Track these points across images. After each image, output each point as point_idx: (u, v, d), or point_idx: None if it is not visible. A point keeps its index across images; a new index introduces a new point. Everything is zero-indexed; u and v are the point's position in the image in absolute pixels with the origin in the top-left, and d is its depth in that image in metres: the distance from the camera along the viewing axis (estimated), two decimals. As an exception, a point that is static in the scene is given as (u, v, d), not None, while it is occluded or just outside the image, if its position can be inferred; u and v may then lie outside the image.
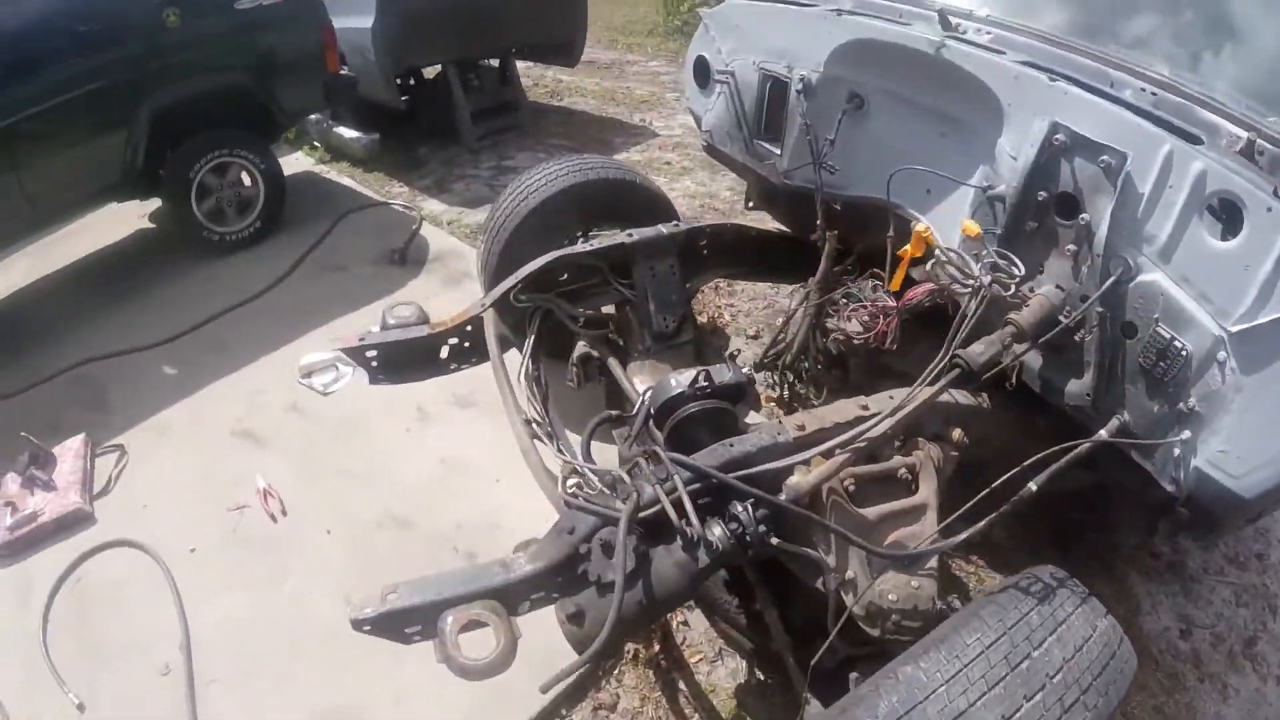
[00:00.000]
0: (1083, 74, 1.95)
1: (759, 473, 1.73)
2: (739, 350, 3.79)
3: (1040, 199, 1.93)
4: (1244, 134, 1.62)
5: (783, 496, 1.69)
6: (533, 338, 2.57)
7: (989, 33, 2.23)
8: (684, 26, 13.29)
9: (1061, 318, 1.88)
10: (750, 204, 3.57)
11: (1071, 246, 1.88)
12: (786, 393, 3.19)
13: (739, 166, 3.25)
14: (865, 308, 2.39)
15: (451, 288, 4.41)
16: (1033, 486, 1.61)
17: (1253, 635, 2.64)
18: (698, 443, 1.85)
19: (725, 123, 3.10)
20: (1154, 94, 1.85)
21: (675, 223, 2.87)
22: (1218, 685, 2.46)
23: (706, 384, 1.98)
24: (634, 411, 2.17)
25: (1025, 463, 1.62)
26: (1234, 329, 1.56)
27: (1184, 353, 1.65)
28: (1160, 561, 2.83)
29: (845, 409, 1.97)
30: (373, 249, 4.81)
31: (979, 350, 1.77)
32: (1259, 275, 1.52)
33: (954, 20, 2.28)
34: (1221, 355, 1.59)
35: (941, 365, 1.80)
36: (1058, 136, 1.85)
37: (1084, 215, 1.82)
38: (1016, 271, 1.94)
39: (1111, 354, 1.85)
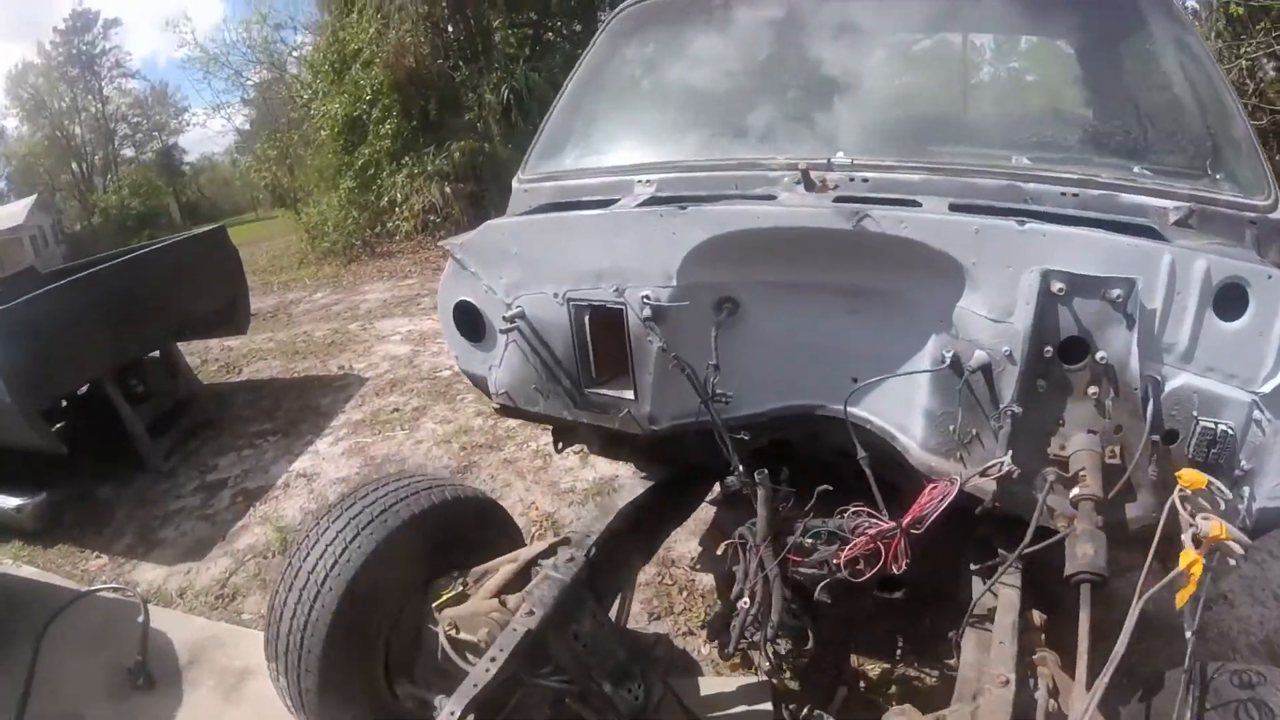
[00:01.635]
0: (995, 198, 1.97)
1: None
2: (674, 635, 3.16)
3: (1047, 354, 1.75)
4: (1168, 204, 1.85)
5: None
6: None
7: (864, 179, 2.13)
8: (334, 247, 12.90)
9: (1107, 459, 1.74)
10: (561, 446, 3.03)
11: (1092, 389, 1.74)
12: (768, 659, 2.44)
13: (565, 425, 2.65)
14: (863, 539, 1.92)
15: (236, 703, 3.26)
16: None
17: None
18: None
19: (528, 378, 2.44)
20: (1076, 194, 1.93)
21: (558, 549, 2.26)
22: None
23: None
24: None
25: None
26: (1264, 390, 1.64)
27: (1229, 432, 1.67)
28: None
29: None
30: (100, 671, 3.56)
31: (1090, 551, 1.59)
32: (1273, 338, 1.62)
33: (817, 177, 2.12)
34: (1257, 415, 1.65)
35: (1075, 580, 1.59)
36: (1056, 285, 1.69)
37: (1100, 354, 1.70)
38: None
39: (1161, 465, 1.74)
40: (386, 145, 13.02)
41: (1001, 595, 1.95)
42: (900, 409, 1.99)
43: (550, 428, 2.89)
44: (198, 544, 4.48)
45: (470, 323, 2.46)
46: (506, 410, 2.63)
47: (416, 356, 7.17)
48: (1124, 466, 1.73)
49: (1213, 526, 1.44)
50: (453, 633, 2.09)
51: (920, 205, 1.94)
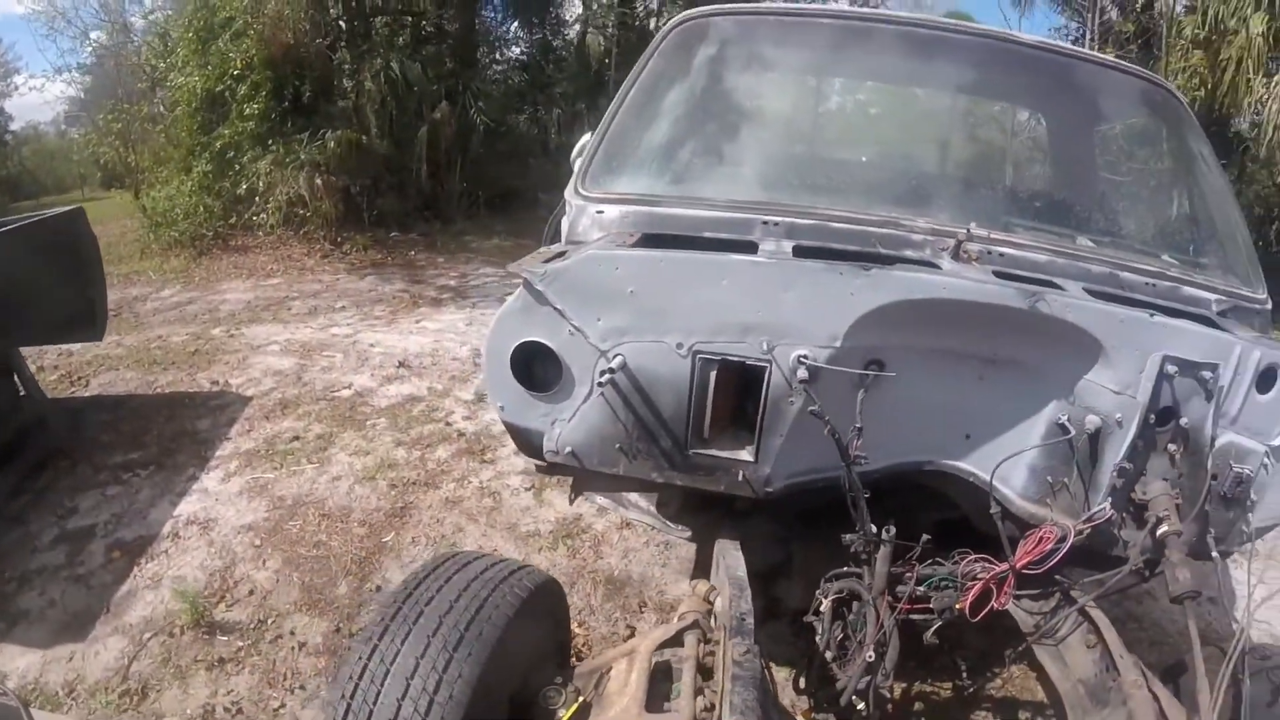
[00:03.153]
0: (1102, 283, 2.34)
1: None
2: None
3: (1151, 421, 2.09)
4: (1212, 297, 2.46)
5: None
6: None
7: (1001, 254, 2.37)
8: (183, 237, 11.48)
9: (1175, 500, 2.09)
10: (575, 498, 2.84)
11: (1171, 446, 2.11)
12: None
13: (638, 486, 2.55)
14: (980, 583, 2.13)
15: None
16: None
17: None
18: None
19: (613, 436, 2.21)
20: (1154, 285, 2.43)
21: (685, 635, 2.12)
22: None
23: None
24: None
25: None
26: (1274, 443, 2.19)
27: (1249, 473, 2.15)
28: None
29: None
30: None
31: (1188, 575, 1.96)
32: None
33: (964, 249, 2.30)
34: (1266, 461, 2.17)
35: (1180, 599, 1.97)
36: (1170, 367, 2.05)
37: (1183, 419, 2.10)
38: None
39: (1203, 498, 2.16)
40: (251, 127, 11.64)
41: (1096, 616, 2.28)
42: (1005, 464, 2.17)
43: (536, 466, 2.54)
44: (75, 618, 3.55)
45: (532, 368, 2.20)
46: (557, 469, 2.39)
47: (304, 371, 6.35)
48: (1187, 505, 2.10)
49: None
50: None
51: (1065, 289, 2.15)
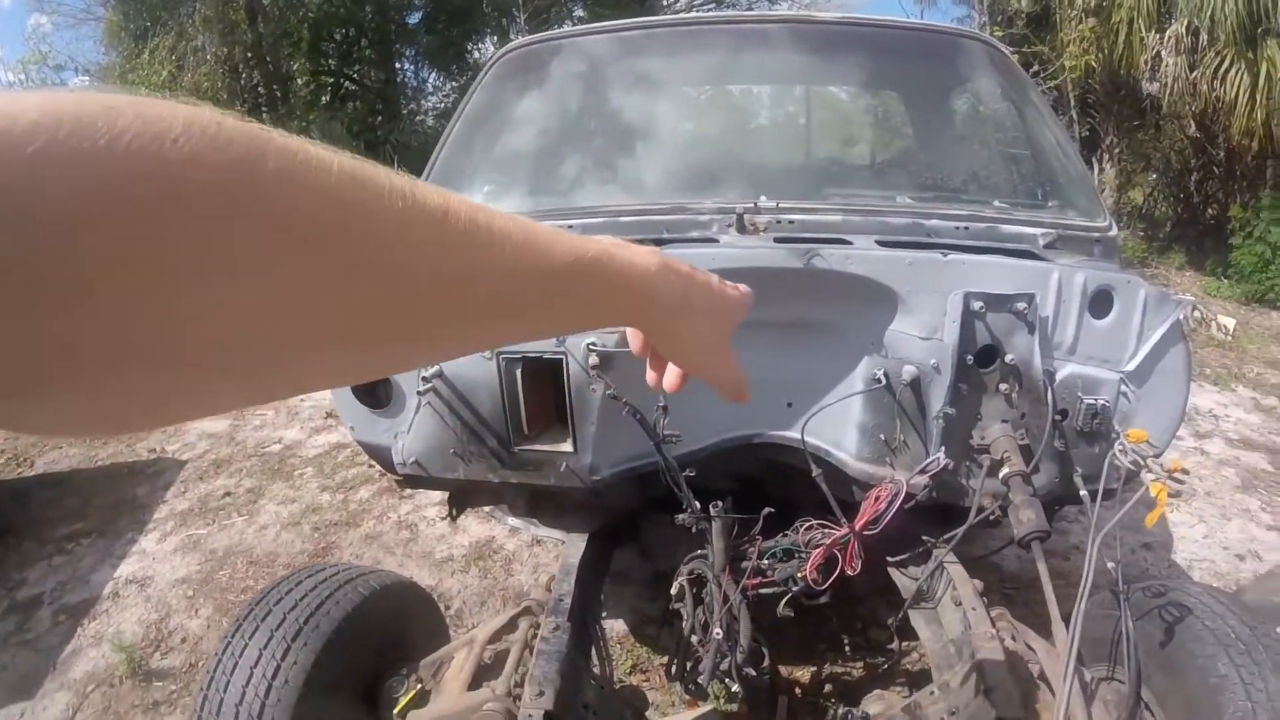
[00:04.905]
0: (905, 233, 2.25)
1: None
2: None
3: (968, 362, 2.07)
4: (1038, 232, 2.26)
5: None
6: None
7: (791, 221, 2.29)
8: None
9: (1019, 441, 2.08)
10: (455, 515, 2.89)
11: (1003, 385, 2.08)
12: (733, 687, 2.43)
13: (483, 489, 2.60)
14: (821, 550, 2.14)
15: None
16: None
17: None
18: None
19: (445, 443, 2.32)
20: (966, 228, 2.28)
21: (518, 621, 2.24)
22: None
23: None
24: None
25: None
26: (1128, 368, 2.09)
27: (1106, 405, 2.07)
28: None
29: None
30: None
31: (1032, 515, 1.92)
32: (1132, 328, 2.07)
33: (749, 220, 2.24)
34: (1124, 389, 2.09)
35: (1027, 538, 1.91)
36: (975, 304, 2.01)
37: (1008, 356, 2.05)
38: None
39: (1059, 440, 2.13)
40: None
41: (952, 572, 2.25)
42: (834, 427, 2.21)
43: (445, 494, 2.80)
44: (24, 679, 3.90)
45: (370, 388, 2.34)
46: (412, 480, 2.53)
47: (237, 431, 6.71)
48: (1033, 444, 2.08)
49: (1173, 461, 1.91)
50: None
51: (852, 243, 2.17)
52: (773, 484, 2.51)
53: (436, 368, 2.21)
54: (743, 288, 0.82)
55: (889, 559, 2.38)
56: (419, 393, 2.25)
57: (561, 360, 2.14)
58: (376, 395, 2.34)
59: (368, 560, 4.54)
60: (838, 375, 2.20)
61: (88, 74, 16.15)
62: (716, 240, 2.21)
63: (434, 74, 17.77)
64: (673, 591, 2.32)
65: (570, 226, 2.44)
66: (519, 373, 2.18)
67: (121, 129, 0.31)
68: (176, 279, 0.33)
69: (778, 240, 2.18)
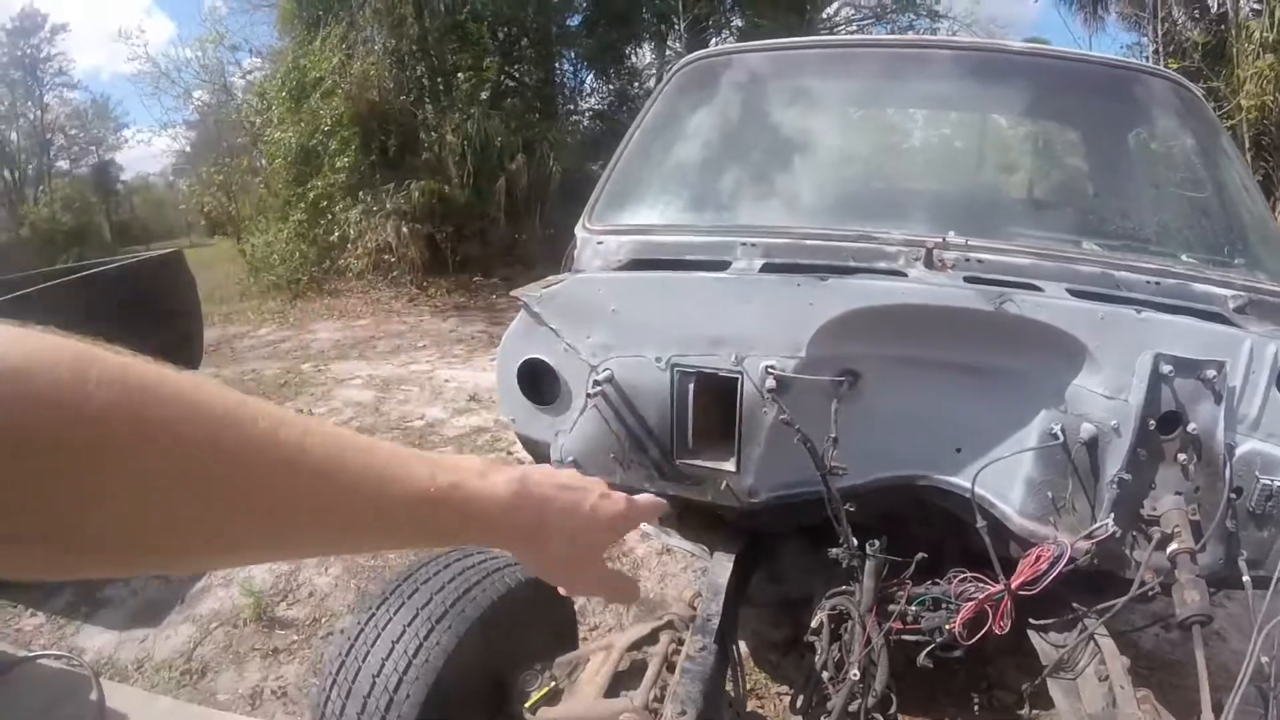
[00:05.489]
0: (1093, 284, 2.15)
1: None
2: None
3: (1150, 427, 1.93)
4: (1228, 293, 2.13)
5: None
6: None
7: (979, 260, 2.21)
8: (279, 281, 12.31)
9: (1190, 516, 1.92)
10: None
11: (1181, 455, 1.93)
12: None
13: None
14: (973, 603, 2.02)
15: None
16: None
17: None
18: None
19: (607, 446, 2.29)
20: (1158, 283, 2.16)
21: (660, 634, 2.13)
22: None
23: None
24: None
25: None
26: None
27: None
28: None
29: None
30: None
31: (1196, 596, 1.76)
32: None
33: (937, 256, 2.17)
34: None
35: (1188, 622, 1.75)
36: (1165, 367, 1.88)
37: (1191, 425, 1.90)
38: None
39: (1232, 519, 1.98)
40: (342, 179, 12.48)
41: (1102, 645, 2.08)
42: (999, 478, 2.08)
43: None
44: (151, 606, 3.93)
45: (537, 383, 2.33)
46: None
47: (382, 404, 6.73)
48: (1204, 521, 1.91)
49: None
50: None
51: (1043, 290, 2.06)
52: (917, 525, 2.40)
53: (608, 371, 2.19)
54: (644, 498, 0.89)
55: (1031, 621, 2.22)
56: (588, 394, 2.22)
57: (736, 379, 2.09)
58: (541, 391, 2.34)
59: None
60: (1012, 425, 2.10)
61: (260, 55, 17.41)
62: (905, 274, 2.16)
63: (592, 76, 18.14)
64: (813, 624, 2.24)
65: (754, 245, 2.38)
66: (691, 386, 2.14)
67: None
68: (68, 490, 0.43)
69: (967, 280, 2.10)
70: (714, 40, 16.70)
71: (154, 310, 5.52)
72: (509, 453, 5.52)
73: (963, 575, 2.07)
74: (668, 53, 16.97)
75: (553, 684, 2.03)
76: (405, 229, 11.87)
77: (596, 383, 2.19)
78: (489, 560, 2.24)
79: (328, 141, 12.67)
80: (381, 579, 4.01)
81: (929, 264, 2.17)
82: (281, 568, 4.19)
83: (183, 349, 5.88)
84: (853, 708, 1.97)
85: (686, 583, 3.93)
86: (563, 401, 2.32)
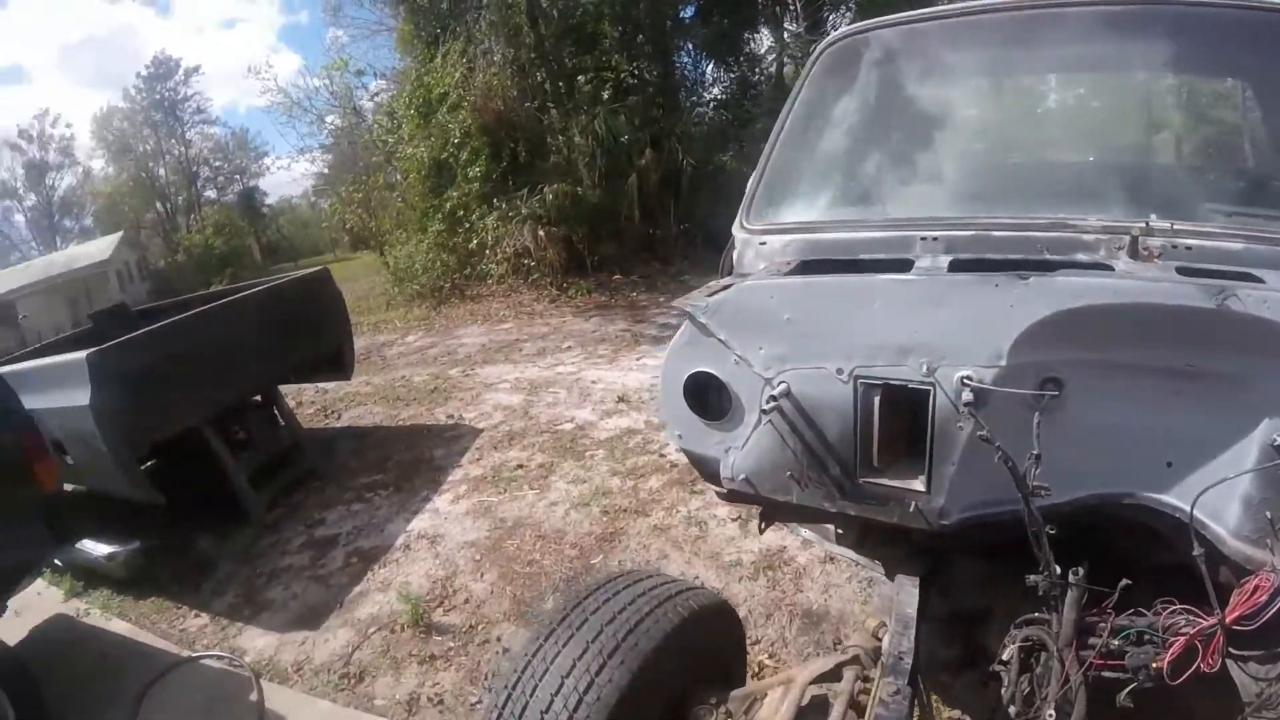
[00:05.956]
0: None
1: None
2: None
3: None
4: None
5: None
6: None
7: (1187, 247, 2.00)
8: (423, 289, 12.60)
9: None
10: (765, 527, 2.68)
11: None
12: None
13: (811, 515, 2.36)
14: (1182, 639, 1.77)
15: None
16: None
17: None
18: None
19: (783, 464, 2.14)
20: None
21: (843, 670, 2.02)
22: None
23: None
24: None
25: None
26: None
27: None
28: None
29: None
30: None
31: None
32: None
33: (1143, 245, 1.98)
34: None
35: None
36: None
37: None
38: None
39: None
40: (475, 188, 12.75)
41: None
42: (1214, 495, 1.83)
43: (758, 509, 2.58)
44: (311, 610, 3.95)
45: (704, 397, 2.22)
46: (736, 496, 2.36)
47: (531, 407, 6.64)
48: None
49: None
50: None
51: (1264, 281, 1.83)
52: (1112, 543, 2.17)
53: (784, 385, 2.06)
54: None
55: (1231, 650, 1.90)
56: (763, 410, 2.10)
57: (927, 392, 1.92)
58: (709, 405, 2.22)
59: (653, 553, 4.15)
60: (1229, 437, 1.86)
61: (384, 77, 18.08)
62: (1110, 268, 1.98)
63: (711, 66, 17.75)
64: (1004, 657, 2.03)
65: (934, 240, 2.26)
66: (877, 399, 1.98)
67: None
68: None
69: (1180, 272, 1.90)
70: (832, 20, 16.02)
71: (306, 326, 5.65)
72: (661, 455, 5.28)
73: (1172, 607, 1.83)
74: (786, 35, 16.41)
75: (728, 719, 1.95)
76: (541, 232, 11.92)
77: (772, 397, 2.06)
78: (660, 587, 2.14)
79: (458, 153, 12.95)
80: (537, 586, 3.90)
81: (1133, 254, 1.99)
82: (438, 573, 4.11)
83: (335, 360, 6.01)
84: None
85: (851, 594, 3.64)
86: (734, 417, 2.20)
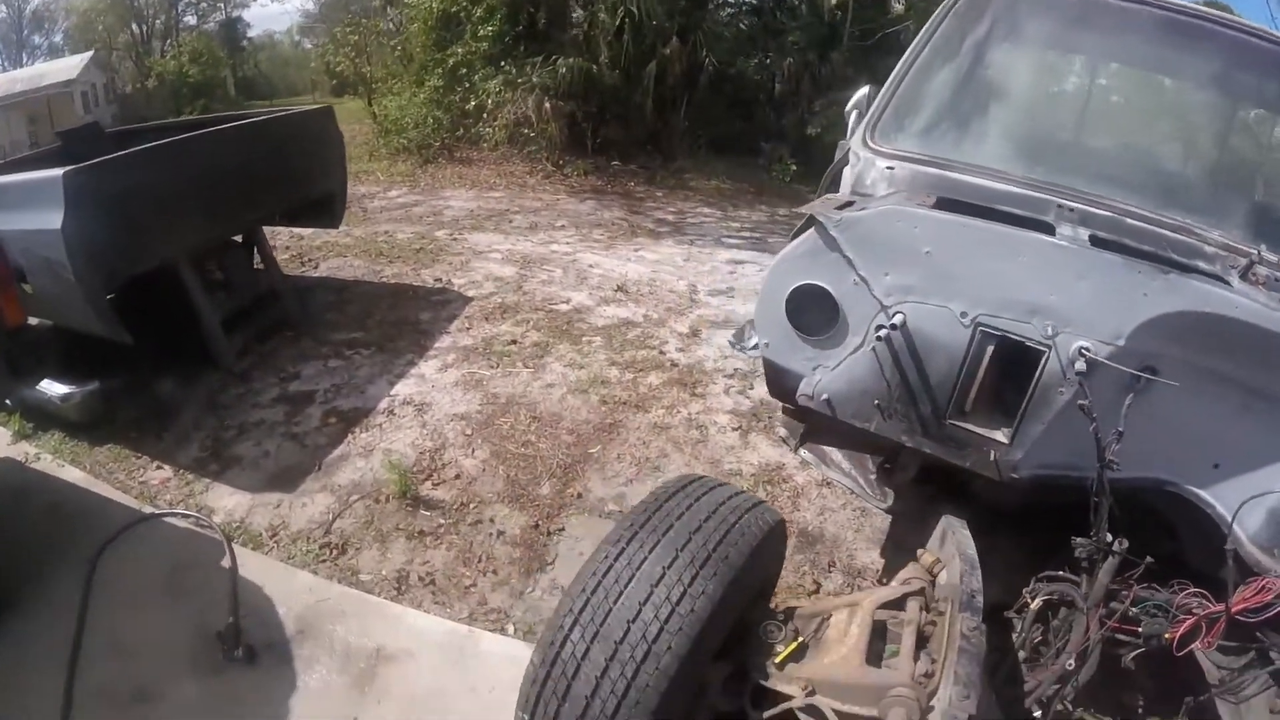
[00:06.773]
0: None
1: None
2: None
3: None
4: None
5: None
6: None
7: None
8: (410, 145, 11.89)
9: None
10: (798, 446, 2.74)
11: None
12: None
13: (861, 444, 2.55)
14: (1191, 618, 1.94)
15: (375, 697, 2.46)
16: None
17: None
18: None
19: (872, 392, 2.20)
20: None
21: (908, 600, 2.04)
22: None
23: None
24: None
25: None
26: None
27: None
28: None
29: None
30: (179, 630, 2.68)
31: None
32: None
33: (1254, 271, 2.12)
34: None
35: None
36: None
37: None
38: None
39: None
40: (484, 47, 11.88)
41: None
42: (1246, 502, 2.00)
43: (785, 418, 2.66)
44: (286, 471, 3.59)
45: (806, 311, 2.21)
46: (804, 413, 2.41)
47: (524, 282, 6.23)
48: None
49: None
50: (814, 699, 1.85)
51: None
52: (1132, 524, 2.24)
53: (900, 316, 2.10)
54: None
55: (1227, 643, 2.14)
56: (875, 336, 2.12)
57: (1042, 353, 2.02)
58: (810, 322, 2.21)
59: (654, 450, 3.90)
60: (1275, 456, 2.03)
61: None
62: (1227, 283, 2.04)
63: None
64: (1033, 605, 2.16)
65: (1071, 210, 2.26)
66: (990, 349, 2.06)
67: None
68: None
69: None
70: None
71: (303, 165, 5.12)
72: (660, 352, 4.98)
73: (1188, 589, 2.01)
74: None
75: (798, 639, 1.98)
76: (547, 104, 11.20)
77: (885, 326, 2.09)
78: (736, 497, 2.09)
79: (472, 9, 12.04)
80: (533, 469, 3.64)
81: (1244, 275, 2.09)
82: (426, 444, 3.80)
83: (326, 206, 5.50)
84: (1050, 692, 1.98)
85: (846, 521, 3.54)
86: (834, 337, 2.21)
